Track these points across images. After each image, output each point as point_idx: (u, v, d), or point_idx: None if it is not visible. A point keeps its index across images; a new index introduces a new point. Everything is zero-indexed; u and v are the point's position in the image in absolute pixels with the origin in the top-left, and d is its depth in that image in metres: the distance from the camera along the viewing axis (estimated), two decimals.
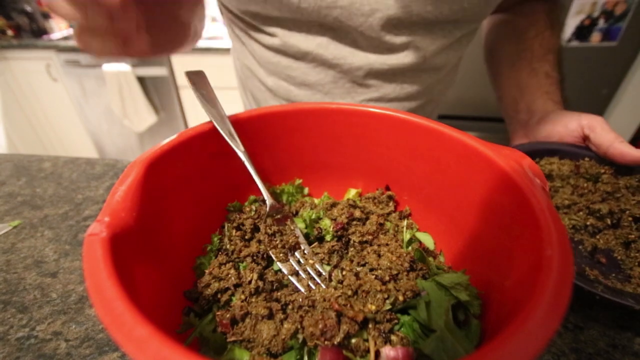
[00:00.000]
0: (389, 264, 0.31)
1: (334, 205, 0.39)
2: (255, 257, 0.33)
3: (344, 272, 0.32)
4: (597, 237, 0.39)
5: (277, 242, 0.34)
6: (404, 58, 0.53)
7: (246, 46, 0.61)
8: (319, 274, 0.32)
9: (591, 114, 0.47)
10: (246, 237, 0.36)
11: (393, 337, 0.26)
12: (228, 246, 0.35)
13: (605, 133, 0.44)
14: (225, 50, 1.73)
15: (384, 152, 0.38)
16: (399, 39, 0.51)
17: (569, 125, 0.48)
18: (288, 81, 0.59)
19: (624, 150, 0.42)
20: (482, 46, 0.72)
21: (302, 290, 0.30)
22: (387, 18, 0.48)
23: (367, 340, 0.26)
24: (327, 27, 0.51)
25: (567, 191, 0.43)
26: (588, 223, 0.40)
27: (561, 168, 0.46)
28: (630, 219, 0.39)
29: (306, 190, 0.44)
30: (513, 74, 0.60)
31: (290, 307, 0.29)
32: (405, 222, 0.38)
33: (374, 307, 0.27)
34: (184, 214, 0.33)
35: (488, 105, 1.56)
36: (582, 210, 0.41)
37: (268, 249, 0.33)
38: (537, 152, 0.48)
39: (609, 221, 0.39)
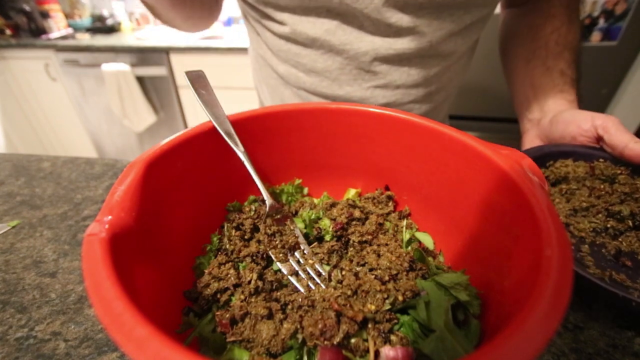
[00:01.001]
0: (388, 263, 0.31)
1: (333, 205, 0.39)
2: (254, 257, 0.33)
3: (343, 272, 0.32)
4: (620, 239, 0.38)
5: (277, 242, 0.34)
6: (410, 43, 0.53)
7: (260, 36, 0.62)
8: (319, 274, 0.32)
9: (605, 114, 0.46)
10: (246, 237, 0.36)
11: (392, 337, 0.26)
12: (227, 246, 0.35)
13: (619, 134, 0.43)
14: (226, 50, 1.73)
15: (384, 152, 0.38)
16: (404, 22, 0.51)
17: (582, 126, 0.47)
18: (298, 68, 0.60)
19: None
20: (485, 44, 0.71)
21: (302, 290, 0.30)
22: (392, 0, 0.48)
23: (366, 340, 0.26)
24: (334, 12, 0.52)
25: (584, 193, 0.43)
26: (608, 225, 0.38)
27: (576, 170, 0.45)
28: None
29: (306, 190, 0.44)
30: (527, 72, 0.59)
31: (289, 307, 0.29)
32: (404, 222, 0.38)
33: (373, 307, 0.27)
34: (183, 214, 0.33)
35: (489, 105, 1.56)
36: (601, 212, 0.40)
37: (268, 249, 0.33)
38: (551, 154, 0.48)
39: (630, 223, 0.38)
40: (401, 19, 0.50)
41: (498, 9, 0.70)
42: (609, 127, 0.44)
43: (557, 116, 0.51)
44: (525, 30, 0.61)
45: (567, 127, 0.49)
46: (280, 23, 0.55)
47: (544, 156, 0.48)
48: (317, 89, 0.61)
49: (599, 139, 0.46)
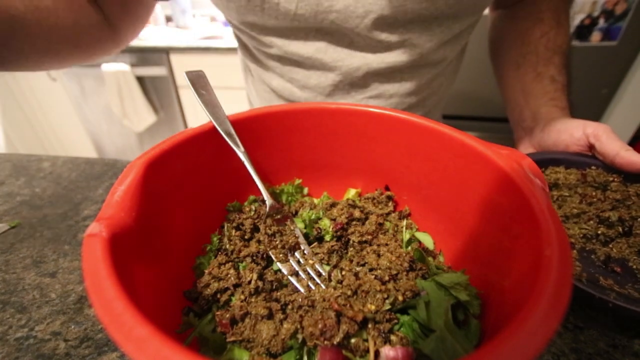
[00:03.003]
0: (388, 263, 0.31)
1: (333, 205, 0.39)
2: (254, 257, 0.33)
3: (343, 272, 0.32)
4: (610, 245, 0.38)
5: (277, 242, 0.34)
6: (401, 55, 0.53)
7: (251, 50, 0.62)
8: (319, 274, 0.32)
9: (596, 122, 0.46)
10: (246, 237, 0.36)
11: (393, 337, 0.26)
12: (228, 246, 0.35)
13: (610, 142, 0.43)
14: (226, 50, 1.73)
15: (384, 152, 0.38)
16: (394, 38, 0.51)
17: (574, 134, 0.47)
18: (292, 83, 0.60)
19: (631, 158, 0.41)
20: (482, 45, 0.71)
21: (302, 290, 0.30)
22: (382, 18, 0.48)
23: (366, 340, 0.26)
24: (324, 32, 0.52)
25: (575, 200, 0.43)
26: (599, 232, 0.39)
27: (567, 177, 0.45)
28: None
29: (306, 190, 0.44)
30: (518, 78, 0.59)
31: (289, 307, 0.29)
32: (404, 222, 0.38)
33: (373, 307, 0.27)
34: (183, 214, 0.33)
35: (488, 105, 1.56)
36: (592, 219, 0.40)
37: (268, 249, 0.33)
38: (542, 161, 0.48)
39: (620, 229, 0.38)
40: (391, 35, 0.50)
41: (486, 11, 0.69)
42: (600, 135, 0.45)
43: (550, 125, 0.51)
44: (514, 34, 0.61)
45: (559, 136, 0.49)
46: (269, 46, 0.55)
47: (535, 163, 0.48)
48: None
49: (591, 147, 0.46)
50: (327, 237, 0.36)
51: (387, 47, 0.52)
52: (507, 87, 0.63)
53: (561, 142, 0.49)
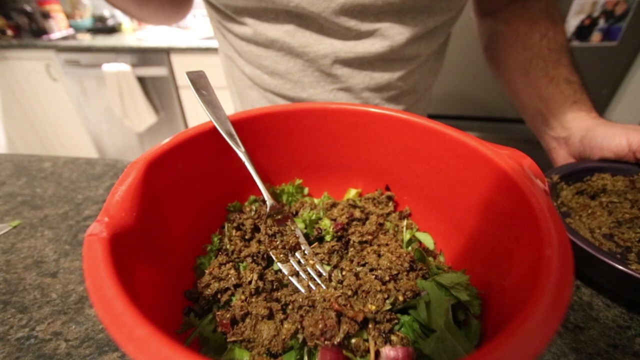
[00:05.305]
0: (388, 264, 0.31)
1: (334, 205, 0.39)
2: (255, 257, 0.33)
3: (343, 272, 0.32)
4: None
5: (278, 242, 0.34)
6: (371, 46, 0.53)
7: (224, 36, 0.62)
8: (319, 274, 0.32)
9: (635, 127, 0.46)
10: (246, 237, 0.36)
11: (393, 337, 0.26)
12: (228, 246, 0.35)
13: None
14: None
15: (384, 152, 0.38)
16: (364, 26, 0.50)
17: (619, 153, 0.47)
18: (261, 70, 0.60)
19: None
20: (479, 43, 0.70)
21: (302, 290, 0.30)
22: (349, 4, 0.48)
23: (367, 340, 0.26)
24: (293, 14, 0.51)
25: (626, 206, 0.43)
26: None
27: (615, 184, 0.46)
28: None
29: (306, 190, 0.44)
30: (530, 84, 0.58)
31: (290, 307, 0.29)
32: (405, 222, 0.38)
33: (374, 307, 0.27)
34: (184, 214, 0.33)
35: (488, 105, 1.56)
36: None
37: (268, 249, 0.33)
38: (587, 169, 0.48)
39: None
40: (361, 23, 0.50)
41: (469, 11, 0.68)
42: None
43: (588, 137, 0.50)
44: (512, 39, 0.59)
45: (602, 153, 0.49)
46: (241, 24, 0.55)
47: (579, 172, 0.49)
48: (281, 91, 0.60)
49: (638, 160, 0.47)
50: (328, 237, 0.36)
51: (356, 35, 0.52)
52: (519, 94, 0.61)
53: (606, 157, 0.49)
